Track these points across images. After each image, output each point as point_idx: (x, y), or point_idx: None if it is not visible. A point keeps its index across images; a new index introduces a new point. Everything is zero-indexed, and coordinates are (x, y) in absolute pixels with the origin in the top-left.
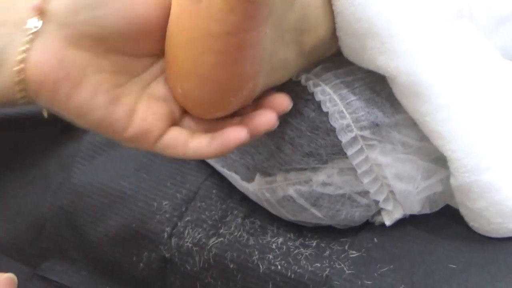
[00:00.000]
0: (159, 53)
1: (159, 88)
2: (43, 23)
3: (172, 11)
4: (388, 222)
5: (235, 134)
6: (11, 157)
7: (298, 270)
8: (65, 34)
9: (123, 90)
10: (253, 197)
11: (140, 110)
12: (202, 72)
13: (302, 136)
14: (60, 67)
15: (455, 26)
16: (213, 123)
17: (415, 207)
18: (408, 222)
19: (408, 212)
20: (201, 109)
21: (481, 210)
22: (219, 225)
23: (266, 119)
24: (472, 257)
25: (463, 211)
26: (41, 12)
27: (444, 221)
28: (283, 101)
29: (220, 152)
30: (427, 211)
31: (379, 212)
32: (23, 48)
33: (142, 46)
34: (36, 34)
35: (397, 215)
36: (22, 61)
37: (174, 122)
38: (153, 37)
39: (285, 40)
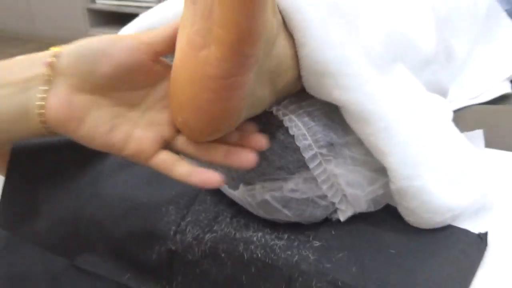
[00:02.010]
0: (152, 84)
1: (154, 115)
2: (53, 75)
3: (176, 57)
4: (342, 218)
5: (211, 178)
6: (54, 175)
7: (274, 257)
8: (70, 83)
9: (122, 119)
10: (238, 201)
11: (136, 135)
12: (199, 106)
13: (275, 154)
14: (68, 109)
15: (392, 68)
16: (201, 146)
17: (363, 206)
18: (358, 217)
19: (358, 210)
20: (196, 134)
21: (414, 208)
22: (213, 223)
23: (248, 158)
24: (408, 244)
25: (400, 208)
26: (51, 67)
27: (386, 216)
28: (262, 141)
29: (197, 184)
30: (372, 209)
31: (335, 211)
32: (41, 96)
33: (135, 83)
34: (50, 84)
35: (349, 212)
36: (42, 107)
37: (165, 144)
38: (142, 73)
39: (262, 82)
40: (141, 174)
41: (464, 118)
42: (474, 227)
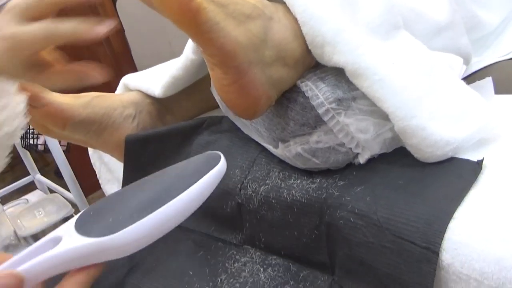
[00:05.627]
0: None
1: None
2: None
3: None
4: (362, 161)
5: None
6: (158, 157)
7: (308, 197)
8: None
9: None
10: (281, 157)
11: None
12: (233, 103)
13: (298, 114)
14: None
15: (394, 34)
16: None
17: (376, 148)
18: (376, 160)
19: (373, 153)
20: (242, 117)
21: (417, 144)
22: (266, 178)
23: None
24: (414, 175)
25: (407, 147)
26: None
27: (399, 156)
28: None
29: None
30: (385, 150)
31: (356, 156)
32: None
33: None
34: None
35: (366, 155)
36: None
37: None
38: None
39: (273, 67)
40: (217, 150)
41: (491, 72)
42: (475, 158)
